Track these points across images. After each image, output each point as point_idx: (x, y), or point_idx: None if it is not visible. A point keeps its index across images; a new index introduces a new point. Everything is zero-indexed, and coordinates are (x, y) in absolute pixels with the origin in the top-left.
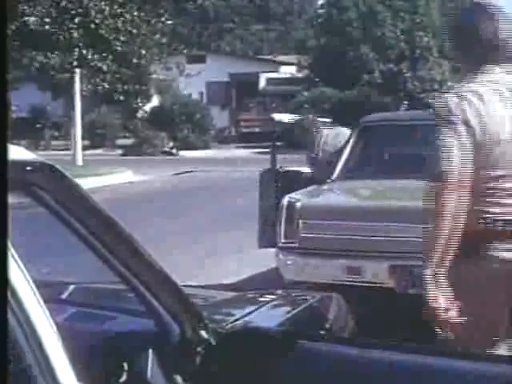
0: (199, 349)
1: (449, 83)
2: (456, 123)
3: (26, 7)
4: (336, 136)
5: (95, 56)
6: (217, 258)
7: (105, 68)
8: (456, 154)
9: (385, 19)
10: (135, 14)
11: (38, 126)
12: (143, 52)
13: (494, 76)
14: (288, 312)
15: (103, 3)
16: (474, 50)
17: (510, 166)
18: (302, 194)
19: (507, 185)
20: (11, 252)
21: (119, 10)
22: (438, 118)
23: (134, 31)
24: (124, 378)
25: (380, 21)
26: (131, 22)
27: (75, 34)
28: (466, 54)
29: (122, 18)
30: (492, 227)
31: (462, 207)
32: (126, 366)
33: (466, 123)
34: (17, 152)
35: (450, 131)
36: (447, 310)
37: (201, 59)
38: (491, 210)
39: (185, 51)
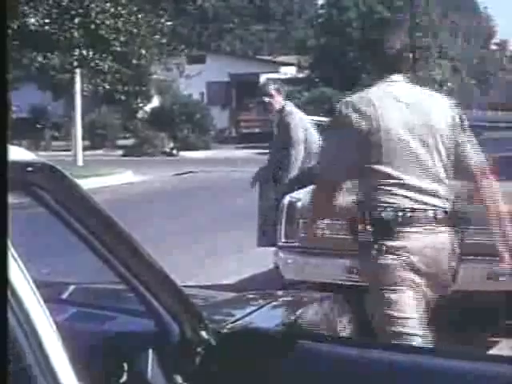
0: (199, 349)
1: (449, 83)
2: (348, 129)
3: (26, 7)
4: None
5: (95, 56)
6: (217, 258)
7: (105, 68)
8: (344, 155)
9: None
10: (135, 12)
11: (39, 126)
12: (143, 52)
13: (394, 84)
14: (288, 312)
15: (104, 3)
16: (378, 60)
17: (402, 162)
18: (302, 193)
19: (400, 178)
20: (11, 252)
21: (119, 9)
22: (329, 126)
23: (135, 31)
24: (124, 378)
25: (380, 21)
26: (131, 21)
27: (75, 34)
28: (372, 64)
29: (122, 19)
30: (387, 216)
31: (344, 199)
32: (126, 366)
33: (358, 128)
34: (17, 152)
35: (341, 136)
36: None
37: (201, 59)
38: (387, 199)
39: (185, 51)
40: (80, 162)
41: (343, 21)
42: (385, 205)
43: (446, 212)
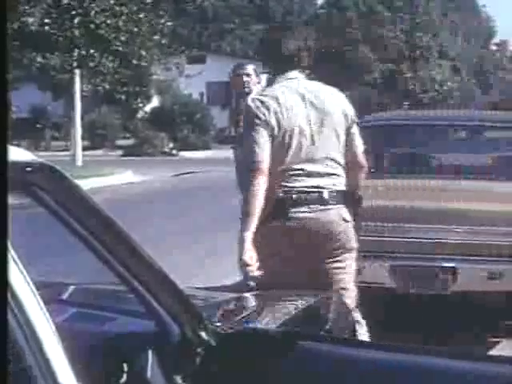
0: (199, 349)
1: (449, 83)
2: (259, 124)
3: (26, 7)
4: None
5: (95, 56)
6: (217, 258)
7: (105, 68)
8: (260, 148)
9: (384, 19)
10: (135, 12)
11: (38, 126)
12: (143, 53)
13: (294, 80)
14: (288, 312)
15: (104, 2)
16: (277, 60)
17: (303, 153)
18: None
19: (302, 166)
20: (11, 253)
21: (120, 9)
22: (244, 121)
23: (135, 30)
24: (124, 378)
25: (380, 21)
26: (132, 20)
27: (76, 34)
28: (272, 64)
29: (122, 17)
30: (291, 196)
31: (267, 185)
32: (126, 366)
33: (267, 123)
34: (17, 153)
35: (255, 131)
36: (255, 264)
37: (201, 59)
38: (291, 184)
39: (185, 52)
40: (80, 162)
41: (343, 21)
42: (286, 188)
43: (338, 192)
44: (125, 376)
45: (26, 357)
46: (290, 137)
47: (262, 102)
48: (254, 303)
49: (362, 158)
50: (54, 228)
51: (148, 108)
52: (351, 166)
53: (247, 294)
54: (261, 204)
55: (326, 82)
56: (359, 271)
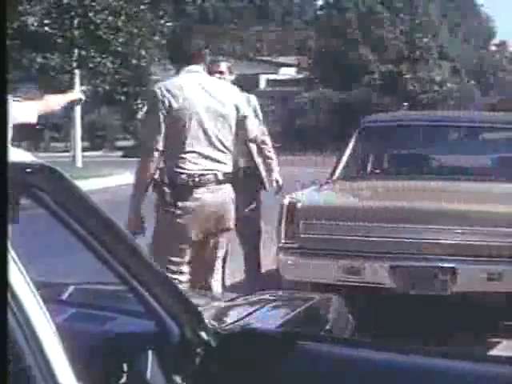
0: (199, 350)
1: (448, 84)
2: (160, 109)
3: (26, 7)
4: None
5: (95, 56)
6: None
7: (105, 69)
8: (157, 132)
9: (384, 20)
10: (135, 12)
11: (38, 127)
12: (143, 53)
13: (195, 73)
14: (288, 313)
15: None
16: (180, 55)
17: (197, 135)
18: (302, 194)
19: (198, 149)
20: (11, 253)
21: (119, 8)
22: (148, 105)
23: (135, 30)
24: (124, 378)
25: (379, 21)
26: (132, 20)
27: (75, 34)
28: (174, 58)
29: (122, 17)
30: (193, 179)
31: (166, 167)
32: (125, 366)
33: (170, 108)
34: (16, 154)
35: (154, 115)
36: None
37: None
38: (187, 167)
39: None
40: (79, 163)
41: (343, 22)
42: (180, 170)
43: (225, 173)
44: (125, 376)
45: (26, 357)
46: (190, 123)
47: (167, 90)
48: (253, 303)
49: (258, 139)
50: (53, 229)
51: None
52: (252, 148)
53: (247, 295)
54: (148, 184)
55: (325, 82)
56: (359, 271)
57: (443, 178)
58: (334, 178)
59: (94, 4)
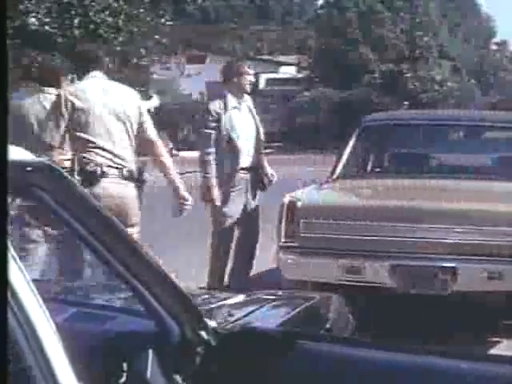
0: (199, 349)
1: (449, 83)
2: (62, 109)
3: (26, 6)
4: None
5: None
6: None
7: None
8: (58, 131)
9: (384, 19)
10: (135, 11)
11: None
12: (143, 52)
13: (98, 79)
14: (288, 312)
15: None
16: (79, 63)
17: (101, 133)
18: (303, 193)
19: (102, 144)
20: (11, 252)
21: (120, 8)
22: (51, 106)
23: (135, 29)
24: (124, 378)
25: (379, 21)
26: (132, 19)
27: (75, 34)
28: (79, 65)
29: (122, 17)
30: (95, 167)
31: (75, 159)
32: (125, 366)
33: (77, 108)
34: (17, 152)
35: (54, 115)
36: None
37: (201, 59)
38: (94, 158)
39: (185, 52)
40: None
41: (343, 21)
42: (88, 161)
43: (129, 171)
44: (125, 376)
45: (26, 357)
46: (94, 122)
47: (71, 93)
48: (253, 303)
49: (154, 142)
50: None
51: None
52: (147, 146)
53: (247, 295)
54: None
55: (326, 81)
56: (359, 270)
57: (443, 177)
58: (335, 177)
59: (94, 4)
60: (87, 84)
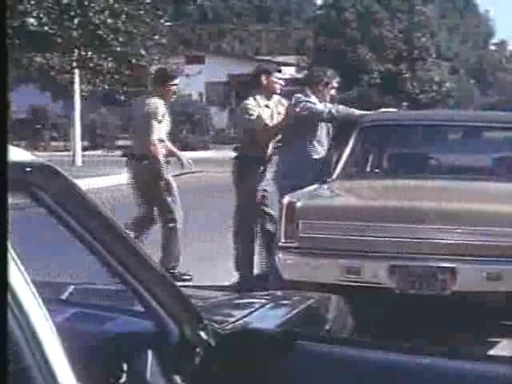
0: (198, 349)
1: (447, 83)
2: None
3: (25, 7)
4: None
5: (95, 56)
6: (217, 258)
7: (105, 68)
8: None
9: (382, 20)
10: (135, 12)
11: (38, 126)
12: (143, 53)
13: None
14: (288, 312)
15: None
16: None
17: None
18: (302, 193)
19: None
20: (11, 253)
21: (119, 9)
22: None
23: (134, 31)
24: (123, 378)
25: (378, 21)
26: (131, 20)
27: (74, 34)
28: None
29: (121, 17)
30: None
31: None
32: (125, 366)
33: None
34: (16, 153)
35: None
36: None
37: (200, 60)
38: None
39: (184, 52)
40: (79, 163)
41: (342, 21)
42: None
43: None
44: (124, 376)
45: (26, 357)
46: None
47: None
48: (253, 303)
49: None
50: (53, 228)
51: None
52: None
53: (247, 295)
54: None
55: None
56: (359, 271)
57: (443, 178)
58: (334, 177)
59: (93, 4)
60: None
